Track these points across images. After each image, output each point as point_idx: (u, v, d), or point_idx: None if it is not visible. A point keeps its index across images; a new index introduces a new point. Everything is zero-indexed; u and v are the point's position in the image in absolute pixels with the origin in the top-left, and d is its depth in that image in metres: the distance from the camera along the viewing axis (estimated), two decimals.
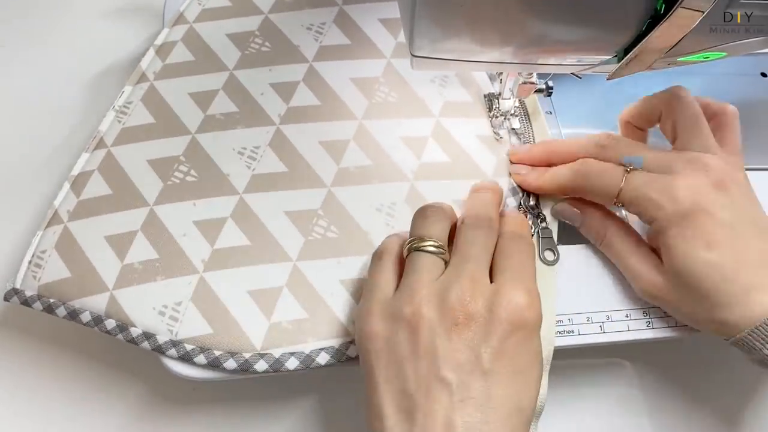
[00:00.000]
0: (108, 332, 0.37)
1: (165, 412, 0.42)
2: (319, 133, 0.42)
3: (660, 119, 0.41)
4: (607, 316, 0.39)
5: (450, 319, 0.31)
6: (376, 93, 0.44)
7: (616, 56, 0.32)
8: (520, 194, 0.42)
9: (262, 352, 0.36)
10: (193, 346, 0.36)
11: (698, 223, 0.35)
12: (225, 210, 0.39)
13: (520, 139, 0.44)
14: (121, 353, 0.42)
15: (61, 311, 0.37)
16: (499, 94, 0.43)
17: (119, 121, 0.42)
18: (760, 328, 0.34)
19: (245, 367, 0.36)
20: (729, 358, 0.36)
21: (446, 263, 0.34)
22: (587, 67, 0.34)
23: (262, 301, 0.37)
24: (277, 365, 0.36)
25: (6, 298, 0.38)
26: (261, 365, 0.36)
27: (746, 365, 0.37)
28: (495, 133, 0.43)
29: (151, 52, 0.45)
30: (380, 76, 0.45)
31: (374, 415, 0.31)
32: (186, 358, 0.36)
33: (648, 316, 0.39)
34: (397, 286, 0.34)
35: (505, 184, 0.42)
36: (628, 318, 0.39)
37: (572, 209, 0.41)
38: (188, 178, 0.40)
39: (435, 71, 0.44)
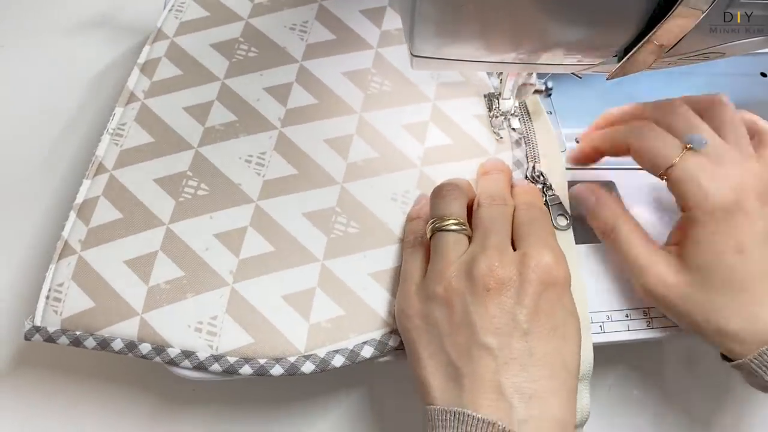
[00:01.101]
0: (143, 357, 0.36)
1: (164, 411, 0.42)
2: (322, 132, 0.42)
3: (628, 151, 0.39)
4: (607, 316, 0.39)
5: (481, 287, 0.32)
6: (370, 84, 0.44)
7: (616, 56, 0.32)
8: (525, 166, 0.43)
9: (306, 354, 0.36)
10: (237, 358, 0.36)
11: (736, 224, 0.34)
12: (243, 219, 0.39)
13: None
14: (124, 364, 0.41)
15: (90, 342, 0.36)
16: (499, 93, 0.43)
17: (116, 144, 0.41)
18: (763, 354, 0.33)
19: (292, 371, 0.36)
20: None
21: (469, 239, 0.35)
22: (587, 67, 0.34)
23: (298, 304, 0.37)
24: (323, 365, 0.36)
25: (27, 337, 0.37)
26: (308, 367, 0.36)
27: None
28: (495, 133, 0.44)
29: (136, 71, 0.44)
30: (371, 67, 0.45)
31: (424, 389, 0.32)
32: (231, 371, 0.36)
33: (648, 316, 0.39)
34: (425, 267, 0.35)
35: (509, 158, 0.43)
36: (628, 318, 0.39)
37: (588, 193, 0.40)
38: (200, 192, 0.40)
39: (435, 71, 0.45)
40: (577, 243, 0.41)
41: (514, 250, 0.35)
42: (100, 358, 0.41)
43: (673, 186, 0.36)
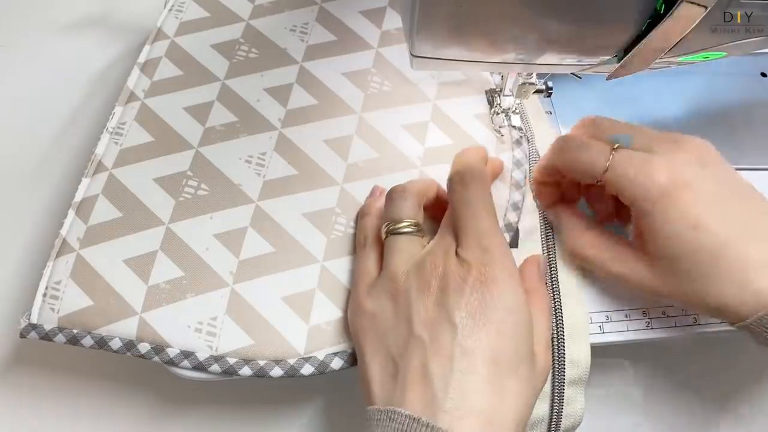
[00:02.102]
0: (142, 356, 0.36)
1: (163, 411, 0.42)
2: (322, 132, 0.42)
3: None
4: (607, 317, 0.39)
5: (424, 284, 0.33)
6: (370, 84, 0.44)
7: (616, 56, 0.32)
8: (526, 166, 0.43)
9: (306, 356, 0.36)
10: (236, 359, 0.36)
11: (681, 201, 0.33)
12: (243, 220, 0.39)
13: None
14: (121, 363, 0.41)
15: (88, 341, 0.36)
16: (500, 91, 0.43)
17: (116, 143, 0.41)
18: (763, 319, 0.32)
19: (292, 373, 0.36)
20: (729, 358, 0.36)
21: (422, 239, 0.36)
22: (587, 67, 0.34)
23: (298, 306, 0.37)
24: (322, 367, 0.36)
25: (23, 335, 0.36)
26: (307, 369, 0.36)
27: (746, 365, 0.38)
28: (496, 130, 0.44)
29: (136, 71, 0.44)
30: (371, 67, 0.45)
31: (366, 387, 0.33)
32: (230, 372, 0.35)
33: (648, 316, 0.39)
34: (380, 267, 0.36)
35: (508, 158, 0.43)
36: (628, 318, 0.39)
37: (552, 212, 0.41)
38: (200, 192, 0.40)
39: (435, 71, 0.45)
40: None
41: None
42: (98, 358, 0.41)
43: (611, 187, 0.36)
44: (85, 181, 0.40)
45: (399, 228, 0.36)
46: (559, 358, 0.37)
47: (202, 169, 0.40)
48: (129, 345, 0.36)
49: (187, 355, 0.36)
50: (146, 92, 0.43)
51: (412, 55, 0.33)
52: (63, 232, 0.39)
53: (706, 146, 0.36)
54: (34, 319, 0.37)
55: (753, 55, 0.40)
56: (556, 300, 0.39)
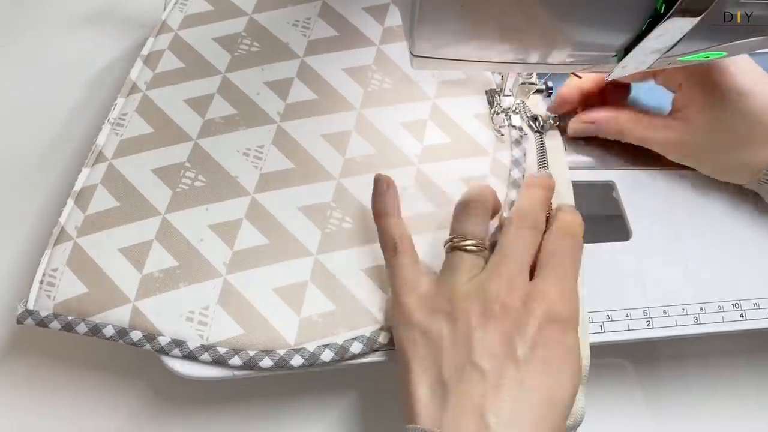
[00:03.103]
0: (134, 344, 0.36)
1: (163, 411, 0.42)
2: (321, 127, 0.42)
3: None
4: (607, 316, 0.39)
5: (488, 312, 0.32)
6: (371, 81, 0.44)
7: (616, 56, 0.32)
8: (524, 165, 0.42)
9: (296, 347, 0.36)
10: (227, 349, 0.36)
11: (731, 69, 0.38)
12: (239, 212, 0.39)
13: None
14: (118, 353, 0.42)
15: (81, 328, 0.36)
16: (500, 90, 0.43)
17: (116, 134, 0.42)
18: None
19: (281, 364, 0.36)
20: (729, 358, 0.36)
21: (485, 260, 0.35)
22: (587, 67, 0.34)
23: (290, 297, 0.37)
24: (312, 359, 0.36)
25: (20, 321, 0.37)
26: (297, 360, 0.36)
27: (746, 365, 0.37)
28: (496, 130, 0.43)
29: (139, 63, 0.45)
30: (372, 63, 0.45)
31: (410, 401, 0.32)
32: (220, 361, 0.36)
33: (648, 316, 0.39)
34: (424, 278, 0.35)
35: (507, 157, 0.43)
36: (628, 318, 0.39)
37: (585, 125, 0.43)
38: (197, 184, 0.40)
39: (435, 70, 0.45)
40: None
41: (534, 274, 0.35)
42: (96, 348, 0.42)
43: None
44: (85, 171, 0.41)
45: (465, 245, 0.35)
46: None
47: (200, 161, 0.41)
48: (121, 333, 0.36)
49: (178, 343, 0.36)
50: (148, 84, 0.44)
51: (412, 54, 0.33)
52: (62, 220, 0.39)
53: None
54: (30, 306, 0.37)
55: (753, 55, 0.39)
56: None
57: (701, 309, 0.40)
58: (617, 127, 0.42)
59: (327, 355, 0.36)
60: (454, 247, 0.35)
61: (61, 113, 0.51)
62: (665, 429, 0.44)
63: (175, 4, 0.47)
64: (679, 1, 0.28)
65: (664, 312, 0.39)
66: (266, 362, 0.36)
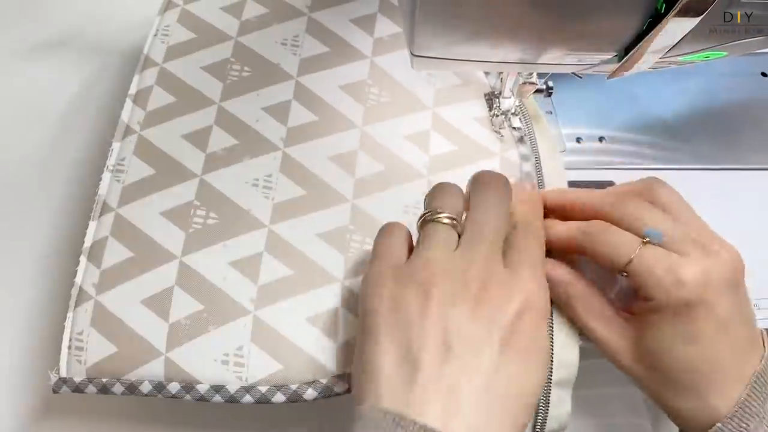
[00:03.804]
0: (173, 396, 0.36)
1: (166, 410, 0.42)
2: (326, 149, 0.42)
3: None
4: None
5: (466, 293, 0.31)
6: (369, 96, 0.44)
7: (616, 56, 0.32)
8: (533, 159, 0.43)
9: (338, 374, 0.36)
10: (268, 387, 0.35)
11: (694, 316, 0.33)
12: (257, 245, 0.39)
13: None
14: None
15: (118, 388, 0.36)
16: (500, 93, 0.43)
17: (118, 181, 0.41)
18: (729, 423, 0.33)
19: (326, 393, 0.36)
20: None
21: (459, 236, 0.34)
22: (587, 67, 0.34)
23: (323, 326, 0.37)
24: None
25: (55, 390, 0.36)
26: (341, 387, 0.36)
27: None
28: (496, 132, 0.43)
29: (129, 103, 0.43)
30: (367, 78, 0.44)
31: (369, 374, 0.31)
32: (263, 401, 0.35)
33: None
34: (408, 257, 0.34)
35: (515, 155, 0.43)
36: None
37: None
38: (209, 221, 0.39)
39: (435, 71, 0.44)
40: None
41: (505, 261, 0.34)
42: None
43: (632, 279, 0.34)
44: (92, 225, 0.39)
45: (439, 217, 0.34)
46: None
47: (208, 197, 0.40)
48: (159, 387, 0.36)
49: (217, 389, 0.35)
50: (141, 124, 0.42)
51: (412, 54, 0.33)
52: (78, 280, 0.38)
53: (738, 261, 0.35)
54: (63, 373, 0.36)
55: (753, 55, 0.40)
56: None
57: None
58: (561, 296, 0.37)
59: None
60: (428, 220, 0.34)
61: (35, 147, 0.50)
62: (664, 429, 0.44)
63: (155, 35, 0.46)
64: (679, 1, 0.28)
65: None
66: (310, 394, 0.36)
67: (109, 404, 0.41)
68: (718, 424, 0.33)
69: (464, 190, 0.37)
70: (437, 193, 0.36)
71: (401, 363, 0.30)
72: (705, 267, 0.33)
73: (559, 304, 0.37)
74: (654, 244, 0.34)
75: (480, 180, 0.37)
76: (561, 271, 0.37)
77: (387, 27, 0.46)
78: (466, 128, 0.43)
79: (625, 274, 0.34)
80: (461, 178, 0.41)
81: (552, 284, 0.36)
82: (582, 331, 0.37)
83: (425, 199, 0.37)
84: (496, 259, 0.33)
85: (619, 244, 0.34)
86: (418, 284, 0.32)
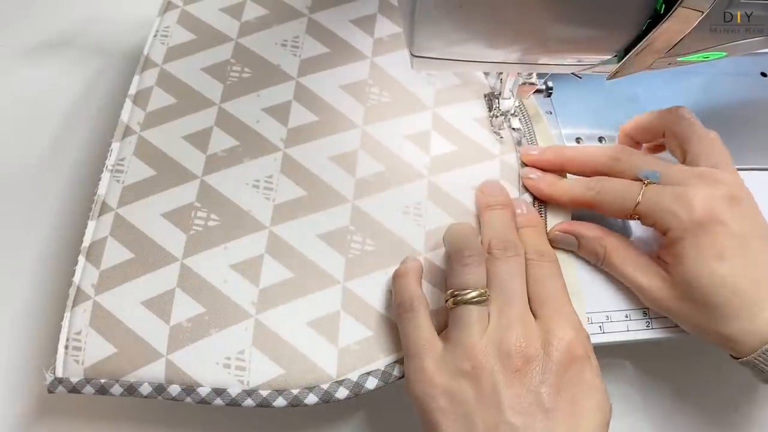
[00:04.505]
0: (173, 398, 0.35)
1: (163, 411, 0.42)
2: (326, 149, 0.42)
3: (663, 135, 0.41)
4: (607, 317, 0.39)
5: (510, 366, 0.32)
6: (369, 96, 0.44)
7: (616, 56, 0.32)
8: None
9: (339, 379, 0.36)
10: (269, 391, 0.35)
11: (712, 233, 0.35)
12: (258, 247, 0.38)
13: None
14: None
15: (117, 389, 0.36)
16: (499, 93, 0.43)
17: (117, 181, 0.40)
18: (766, 353, 0.34)
19: (326, 398, 0.35)
20: (729, 359, 0.36)
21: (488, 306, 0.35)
22: (587, 67, 0.34)
23: (324, 329, 0.37)
24: (357, 388, 0.36)
25: (50, 390, 0.36)
26: (341, 392, 0.36)
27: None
28: (496, 133, 0.43)
29: (129, 103, 0.43)
30: (368, 78, 0.44)
31: None
32: (264, 404, 0.35)
33: (648, 317, 0.39)
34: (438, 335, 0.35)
35: (513, 159, 0.43)
36: (628, 318, 0.39)
37: (566, 236, 0.40)
38: (210, 223, 0.39)
39: (435, 71, 0.44)
40: None
41: (532, 308, 0.35)
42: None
43: (645, 220, 0.37)
44: (91, 225, 0.39)
45: (470, 298, 0.34)
46: None
47: (209, 199, 0.40)
48: (159, 389, 0.35)
49: (219, 392, 0.35)
50: (142, 125, 0.42)
51: (412, 55, 0.33)
52: (76, 279, 0.38)
53: (740, 183, 0.37)
54: (59, 374, 0.36)
55: (753, 55, 0.40)
56: None
57: None
58: (598, 251, 0.39)
59: (371, 383, 0.36)
60: (458, 301, 0.35)
61: (37, 149, 0.50)
62: (664, 429, 0.44)
63: (155, 36, 0.46)
64: (679, 1, 0.28)
65: None
66: (311, 399, 0.35)
67: (105, 405, 0.41)
68: None
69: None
70: (458, 266, 0.36)
71: None
72: (707, 191, 0.36)
73: (596, 258, 0.39)
74: (654, 183, 0.37)
75: (484, 206, 0.40)
76: (594, 228, 0.40)
77: (387, 27, 0.46)
78: (466, 129, 0.43)
79: (636, 217, 0.37)
80: (461, 180, 0.41)
81: (588, 241, 0.39)
82: (624, 281, 0.39)
83: (447, 258, 0.37)
84: (526, 314, 0.35)
85: (623, 190, 0.37)
86: (467, 375, 0.33)
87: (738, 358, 0.36)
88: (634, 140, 0.43)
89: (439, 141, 0.43)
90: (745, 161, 0.41)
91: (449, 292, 0.35)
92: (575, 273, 0.40)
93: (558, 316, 0.34)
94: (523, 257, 0.37)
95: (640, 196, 0.37)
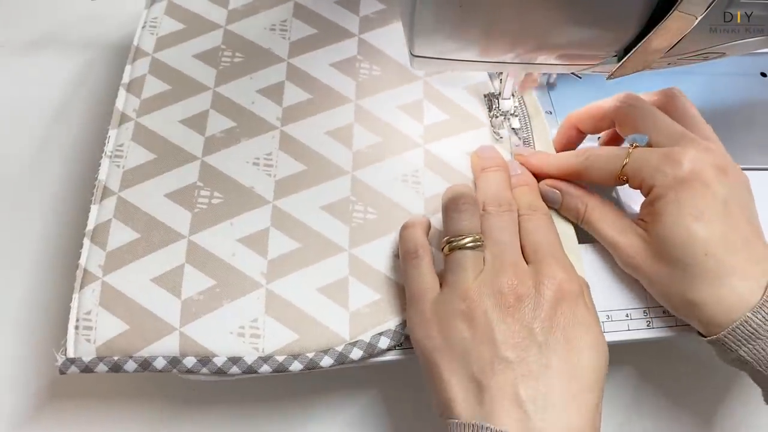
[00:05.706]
0: (189, 371, 0.36)
1: (164, 411, 0.42)
2: (322, 125, 0.43)
3: (616, 125, 0.41)
4: (608, 316, 0.39)
5: (502, 303, 0.33)
6: (360, 71, 0.45)
7: (616, 56, 0.33)
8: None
9: (352, 341, 0.36)
10: (285, 356, 0.36)
11: (694, 192, 0.35)
12: (264, 221, 0.39)
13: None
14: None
15: (130, 365, 0.36)
16: (499, 94, 0.44)
17: (117, 166, 0.41)
18: (737, 330, 0.34)
19: (342, 360, 0.36)
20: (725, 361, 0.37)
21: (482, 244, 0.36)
22: (587, 67, 0.35)
23: (335, 295, 0.37)
24: (370, 349, 0.36)
25: (62, 371, 0.36)
26: (356, 353, 0.36)
27: None
28: (495, 133, 0.44)
29: (123, 91, 0.43)
30: (357, 54, 0.45)
31: (444, 405, 0.33)
32: (280, 369, 0.36)
33: (648, 316, 0.39)
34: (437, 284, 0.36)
35: (504, 131, 0.44)
36: (628, 318, 0.39)
37: (551, 190, 0.41)
38: (214, 201, 0.40)
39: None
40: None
41: (525, 255, 0.36)
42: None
43: (632, 181, 0.37)
44: (94, 209, 0.39)
45: (465, 243, 0.35)
46: None
47: (211, 178, 0.40)
48: (174, 362, 0.36)
49: (235, 361, 0.36)
50: (137, 111, 0.43)
51: (412, 55, 0.33)
52: (82, 261, 0.38)
53: (721, 155, 0.37)
54: (71, 354, 0.36)
55: (753, 55, 0.40)
56: None
57: None
58: (579, 208, 0.40)
59: (384, 342, 0.37)
60: (453, 247, 0.36)
61: (29, 140, 0.50)
62: (664, 429, 0.44)
63: (144, 27, 0.46)
64: (679, 1, 0.29)
65: (664, 312, 0.39)
66: (327, 361, 0.36)
67: (116, 385, 0.42)
68: (748, 313, 0.33)
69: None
70: (456, 213, 0.37)
71: (468, 389, 0.32)
72: (694, 153, 0.36)
73: (577, 215, 0.40)
74: (642, 146, 0.38)
75: (480, 168, 0.41)
76: (578, 187, 0.40)
77: (371, 5, 0.47)
78: (457, 97, 0.45)
79: (625, 178, 0.37)
80: (455, 146, 0.43)
81: (571, 198, 0.40)
82: (600, 239, 0.39)
83: (442, 210, 0.38)
84: (519, 260, 0.35)
85: (611, 155, 0.38)
86: (462, 315, 0.33)
87: (706, 337, 0.35)
88: (578, 130, 0.43)
89: (431, 110, 0.44)
90: (745, 161, 0.41)
91: (445, 239, 0.36)
92: (573, 234, 0.40)
93: (550, 259, 0.35)
94: (516, 213, 0.38)
95: (627, 158, 0.37)
